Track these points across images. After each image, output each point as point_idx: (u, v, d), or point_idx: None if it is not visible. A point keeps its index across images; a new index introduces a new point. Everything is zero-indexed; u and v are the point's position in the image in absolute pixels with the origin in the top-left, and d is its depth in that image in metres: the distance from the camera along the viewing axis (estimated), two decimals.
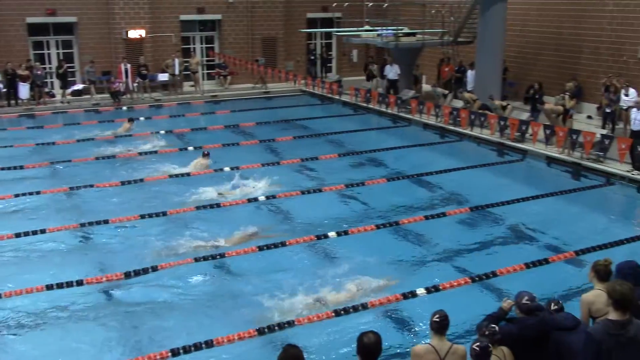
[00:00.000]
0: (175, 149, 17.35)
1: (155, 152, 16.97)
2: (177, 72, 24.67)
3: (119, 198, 13.38)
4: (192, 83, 25.65)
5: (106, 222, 11.83)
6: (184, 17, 26.16)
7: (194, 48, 27.00)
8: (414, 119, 20.70)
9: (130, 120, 19.42)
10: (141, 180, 14.43)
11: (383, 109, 21.99)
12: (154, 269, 9.91)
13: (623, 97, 17.40)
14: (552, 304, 6.18)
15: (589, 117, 19.98)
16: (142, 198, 13.43)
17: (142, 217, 12.11)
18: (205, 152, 15.61)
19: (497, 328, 5.62)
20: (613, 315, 5.13)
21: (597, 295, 6.10)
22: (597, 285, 6.27)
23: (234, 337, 7.95)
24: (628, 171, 14.67)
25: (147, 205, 12.81)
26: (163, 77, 24.96)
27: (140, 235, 11.46)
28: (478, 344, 5.24)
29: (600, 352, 5.04)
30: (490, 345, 5.30)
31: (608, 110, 17.95)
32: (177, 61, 24.53)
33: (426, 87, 25.02)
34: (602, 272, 6.25)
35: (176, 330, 8.35)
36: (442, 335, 5.61)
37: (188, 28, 26.75)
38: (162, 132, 19.19)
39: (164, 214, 12.29)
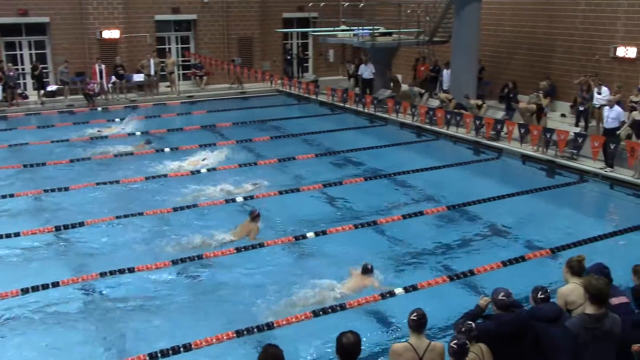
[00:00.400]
0: (152, 150, 17.21)
1: (131, 153, 16.82)
2: (152, 72, 24.47)
3: (95, 199, 13.24)
4: (168, 83, 25.46)
5: (82, 224, 11.71)
6: (158, 17, 25.95)
7: (170, 48, 26.79)
8: (391, 118, 20.78)
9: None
10: (117, 181, 14.29)
11: (360, 108, 22.04)
12: (131, 270, 9.83)
13: (596, 95, 17.63)
14: (539, 292, 6.10)
15: (563, 115, 20.24)
16: (119, 199, 13.34)
17: (118, 217, 12.00)
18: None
19: (473, 325, 5.66)
20: (589, 310, 5.23)
21: (572, 288, 6.26)
22: (571, 279, 6.41)
23: (213, 339, 7.91)
24: (601, 168, 14.88)
25: (123, 206, 12.72)
26: (138, 77, 24.71)
27: (116, 237, 11.37)
28: (455, 341, 5.28)
29: (577, 345, 5.13)
30: (467, 342, 5.35)
31: (581, 109, 18.19)
32: (152, 61, 24.33)
33: (404, 86, 25.09)
34: (575, 268, 6.40)
35: (154, 333, 8.27)
36: (420, 333, 5.66)
37: (163, 28, 26.54)
38: (138, 133, 19.05)
39: (141, 214, 12.21)
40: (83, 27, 24.35)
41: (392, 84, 23.98)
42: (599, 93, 17.46)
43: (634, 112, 15.37)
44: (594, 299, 5.21)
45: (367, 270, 9.43)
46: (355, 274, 9.51)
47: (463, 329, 5.60)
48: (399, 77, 25.77)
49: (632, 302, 6.30)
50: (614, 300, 5.96)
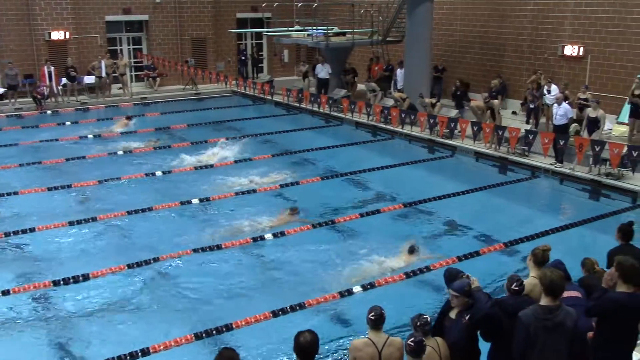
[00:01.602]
0: (104, 153, 16.88)
1: (84, 157, 16.48)
2: (104, 74, 24.00)
3: (46, 205, 12.92)
4: (120, 85, 25.03)
5: (32, 230, 11.42)
6: (109, 17, 25.50)
7: (121, 49, 26.36)
8: (347, 118, 20.88)
9: (128, 117, 18.67)
10: (69, 185, 14.00)
11: (315, 108, 22.09)
12: (85, 277, 9.64)
13: (546, 93, 18.03)
14: (514, 283, 6.01)
15: (514, 112, 20.67)
16: (72, 204, 13.07)
17: (71, 223, 11.75)
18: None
19: (428, 318, 5.73)
20: (543, 301, 5.32)
21: (534, 284, 6.29)
22: (533, 270, 6.49)
23: (171, 343, 7.82)
24: (552, 164, 15.26)
25: (77, 210, 12.48)
26: (89, 79, 24.22)
27: (70, 242, 11.13)
28: (412, 339, 5.31)
29: (529, 335, 5.23)
30: (424, 339, 5.39)
31: (531, 106, 18.60)
32: (103, 63, 23.86)
33: (360, 86, 25.24)
34: (539, 257, 6.48)
35: (111, 339, 8.13)
36: (378, 330, 5.72)
37: (114, 29, 26.08)
38: (91, 136, 18.70)
39: (94, 219, 11.98)
40: (31, 28, 23.73)
41: (348, 85, 24.09)
42: (549, 91, 17.88)
43: (588, 109, 15.73)
44: (547, 291, 5.31)
45: (413, 251, 10.38)
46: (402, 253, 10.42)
47: (418, 323, 5.66)
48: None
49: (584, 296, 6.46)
50: (564, 294, 6.09)
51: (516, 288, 6.01)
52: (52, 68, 22.74)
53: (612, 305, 5.62)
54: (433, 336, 5.78)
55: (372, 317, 5.70)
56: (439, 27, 22.86)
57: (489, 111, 17.99)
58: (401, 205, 12.98)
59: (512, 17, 21.18)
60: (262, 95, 24.33)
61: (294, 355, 4.98)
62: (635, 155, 13.84)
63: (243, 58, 28.61)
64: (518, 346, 5.31)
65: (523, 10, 20.75)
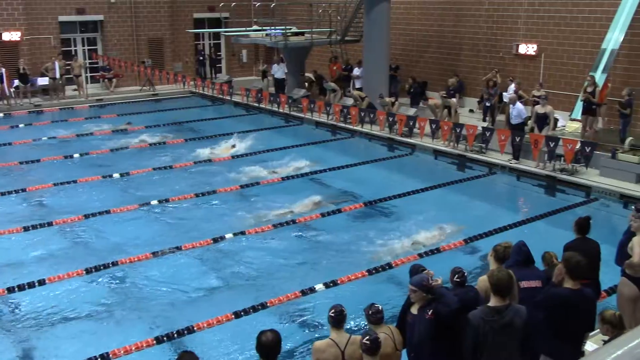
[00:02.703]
0: (60, 156, 16.52)
1: (38, 160, 16.10)
2: (57, 75, 23.47)
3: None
4: (75, 87, 24.52)
5: None
6: (62, 18, 24.98)
7: (76, 50, 25.86)
8: (306, 117, 20.88)
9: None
10: (23, 190, 13.66)
11: (275, 108, 22.03)
12: (41, 282, 9.42)
13: (505, 92, 18.29)
14: (455, 275, 6.08)
15: (471, 110, 20.97)
16: (26, 208, 12.76)
17: (26, 229, 11.46)
18: (233, 144, 17.27)
19: (380, 307, 5.74)
20: (492, 301, 5.33)
21: None
22: (493, 265, 6.57)
23: (132, 347, 7.70)
24: (508, 161, 15.52)
25: (31, 215, 12.19)
26: (43, 81, 23.66)
27: (25, 248, 10.85)
28: (367, 337, 5.27)
29: (477, 335, 5.26)
30: (378, 336, 5.36)
31: (487, 104, 18.88)
32: (57, 64, 23.33)
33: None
34: (500, 253, 6.56)
35: (70, 345, 7.96)
36: (340, 329, 5.69)
37: (68, 29, 25.55)
38: (45, 138, 18.28)
39: (50, 224, 11.72)
40: None
41: (306, 84, 24.09)
42: (507, 91, 18.12)
43: (537, 106, 16.05)
44: (495, 291, 5.30)
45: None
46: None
47: (370, 312, 5.68)
48: (312, 76, 25.90)
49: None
50: (523, 284, 6.19)
51: (458, 280, 6.09)
52: (3, 70, 22.16)
53: (555, 300, 5.76)
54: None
55: (333, 315, 5.67)
56: (396, 27, 23.05)
57: (445, 109, 18.22)
58: (362, 204, 13.03)
59: (468, 17, 21.49)
60: (221, 96, 24.17)
61: (257, 356, 4.95)
62: (587, 150, 14.18)
63: (201, 58, 28.37)
64: (467, 347, 5.35)
65: (479, 10, 21.08)
